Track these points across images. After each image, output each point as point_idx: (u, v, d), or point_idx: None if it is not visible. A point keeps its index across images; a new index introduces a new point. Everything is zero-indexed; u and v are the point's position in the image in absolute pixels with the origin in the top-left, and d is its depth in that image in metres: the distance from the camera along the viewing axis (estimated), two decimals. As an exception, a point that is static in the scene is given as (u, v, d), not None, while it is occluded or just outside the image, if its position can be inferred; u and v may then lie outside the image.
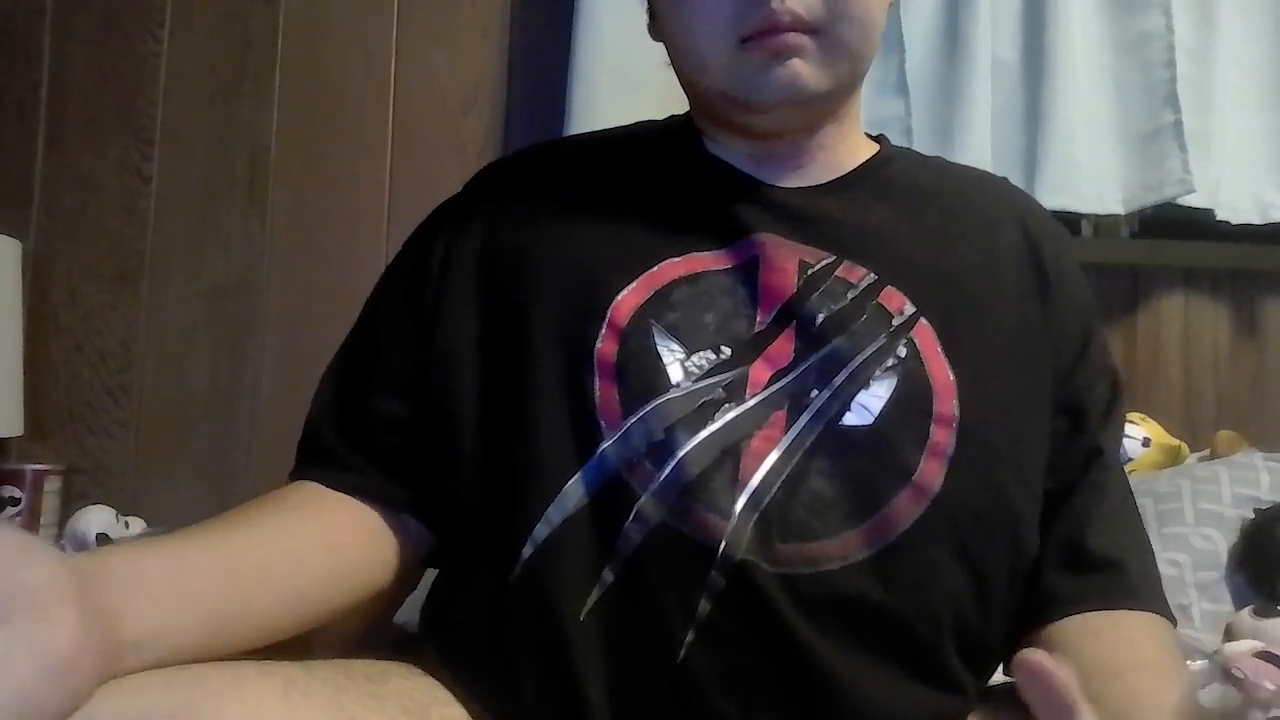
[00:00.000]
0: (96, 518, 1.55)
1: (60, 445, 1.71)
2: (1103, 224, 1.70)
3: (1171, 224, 1.67)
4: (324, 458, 0.75)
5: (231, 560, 0.63)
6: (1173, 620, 0.72)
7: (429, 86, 1.75)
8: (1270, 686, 1.04)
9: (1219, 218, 1.61)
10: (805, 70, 0.69)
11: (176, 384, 1.73)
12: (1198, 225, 1.64)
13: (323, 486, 0.73)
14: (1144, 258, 1.70)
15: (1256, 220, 1.62)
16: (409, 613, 0.94)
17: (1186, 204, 1.59)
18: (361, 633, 0.75)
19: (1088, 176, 1.57)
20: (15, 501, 1.59)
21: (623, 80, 1.58)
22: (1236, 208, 1.62)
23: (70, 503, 1.64)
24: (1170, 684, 0.64)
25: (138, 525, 1.60)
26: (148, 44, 1.76)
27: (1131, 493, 0.76)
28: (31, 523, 1.59)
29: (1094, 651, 0.66)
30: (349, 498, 0.73)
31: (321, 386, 0.79)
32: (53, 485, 1.64)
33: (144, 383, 1.73)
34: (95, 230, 1.73)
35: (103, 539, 1.52)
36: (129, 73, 1.76)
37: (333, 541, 0.71)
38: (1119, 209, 1.60)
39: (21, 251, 1.65)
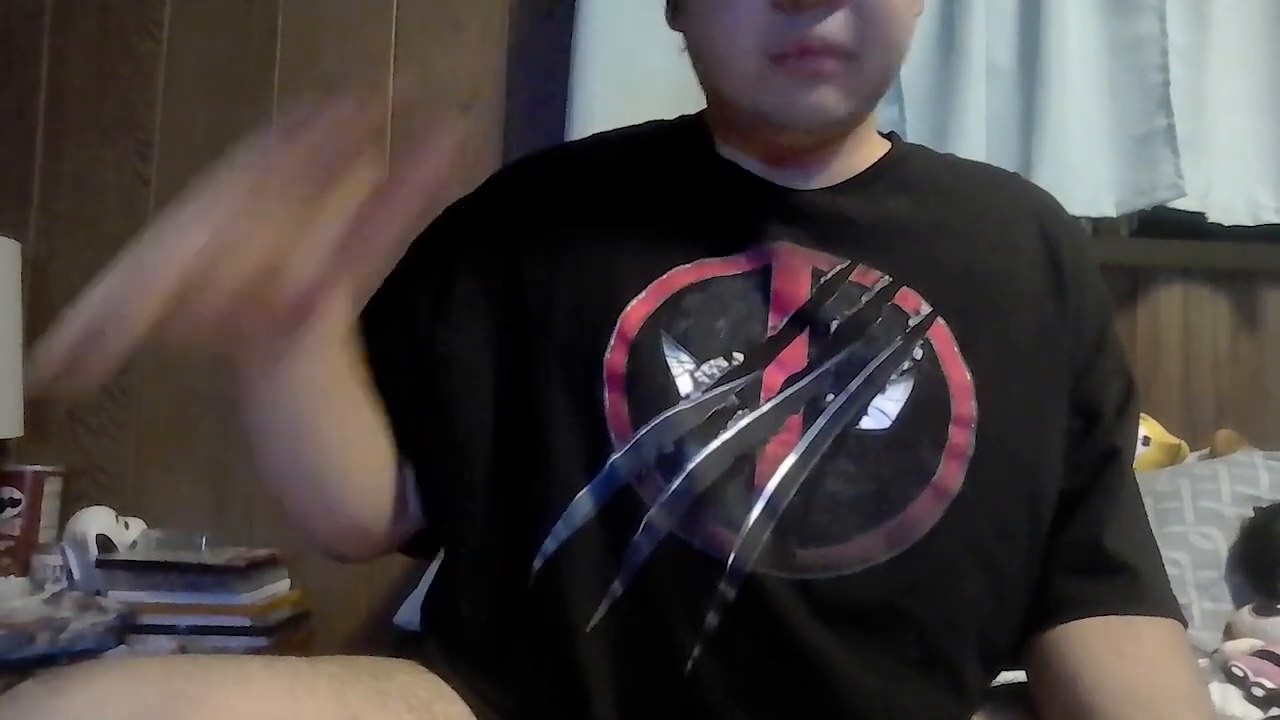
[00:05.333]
0: (96, 519, 1.55)
1: (60, 446, 1.71)
2: (1102, 223, 1.70)
3: (1171, 223, 1.68)
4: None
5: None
6: (1185, 623, 0.71)
7: (428, 86, 1.75)
8: (1269, 684, 1.04)
9: (1211, 220, 1.62)
10: (832, 97, 0.67)
11: (176, 384, 1.72)
12: (1197, 224, 1.64)
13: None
14: (1143, 257, 1.71)
15: (1248, 222, 1.63)
16: (410, 613, 0.93)
17: (1178, 207, 1.59)
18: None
19: (1081, 179, 1.57)
20: (15, 503, 1.59)
21: (623, 80, 1.58)
22: (1228, 210, 1.63)
23: (70, 504, 1.64)
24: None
25: (138, 526, 1.60)
26: (147, 44, 1.76)
27: (1140, 495, 0.76)
28: (31, 524, 1.59)
29: (1119, 671, 0.65)
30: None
31: None
32: (52, 486, 1.64)
33: (143, 383, 1.73)
34: (95, 230, 1.73)
35: (103, 540, 1.52)
36: (128, 73, 1.76)
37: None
38: (1111, 212, 1.61)
39: (21, 252, 1.65)
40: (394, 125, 0.57)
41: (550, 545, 0.66)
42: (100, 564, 1.47)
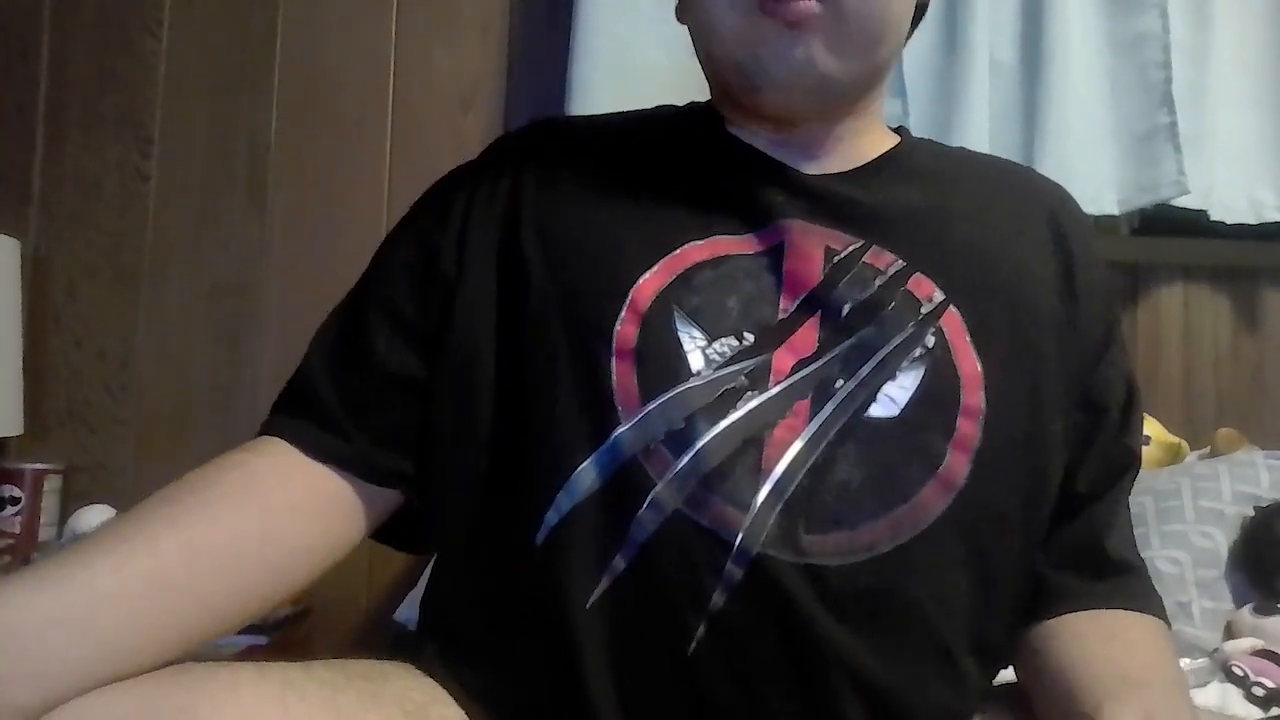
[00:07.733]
0: (96, 517, 1.54)
1: (60, 444, 1.71)
2: (1103, 221, 1.70)
3: (1172, 221, 1.67)
4: (309, 410, 0.71)
5: (153, 574, 0.59)
6: (1169, 624, 0.73)
7: (428, 84, 1.75)
8: (1269, 684, 1.04)
9: (1213, 218, 1.62)
10: (818, 51, 0.67)
11: (176, 383, 1.72)
12: (1198, 222, 1.64)
13: (290, 448, 0.70)
14: (1144, 255, 1.71)
15: (1251, 220, 1.63)
16: (410, 609, 0.93)
17: (1180, 205, 1.59)
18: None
19: (1084, 177, 1.57)
20: (15, 501, 1.59)
21: (622, 77, 1.58)
22: (1230, 208, 1.63)
23: (70, 502, 1.64)
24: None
25: (138, 524, 1.59)
26: (147, 42, 1.76)
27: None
28: (31, 522, 1.59)
29: (1110, 653, 0.66)
30: (320, 465, 0.69)
31: (317, 342, 0.75)
32: (52, 484, 1.64)
33: (144, 381, 1.73)
34: (95, 229, 1.73)
35: (103, 538, 1.51)
36: (128, 71, 1.76)
37: (283, 531, 0.67)
38: (1114, 209, 1.61)
39: (21, 250, 1.65)
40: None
41: (552, 517, 0.65)
42: (100, 562, 1.47)
